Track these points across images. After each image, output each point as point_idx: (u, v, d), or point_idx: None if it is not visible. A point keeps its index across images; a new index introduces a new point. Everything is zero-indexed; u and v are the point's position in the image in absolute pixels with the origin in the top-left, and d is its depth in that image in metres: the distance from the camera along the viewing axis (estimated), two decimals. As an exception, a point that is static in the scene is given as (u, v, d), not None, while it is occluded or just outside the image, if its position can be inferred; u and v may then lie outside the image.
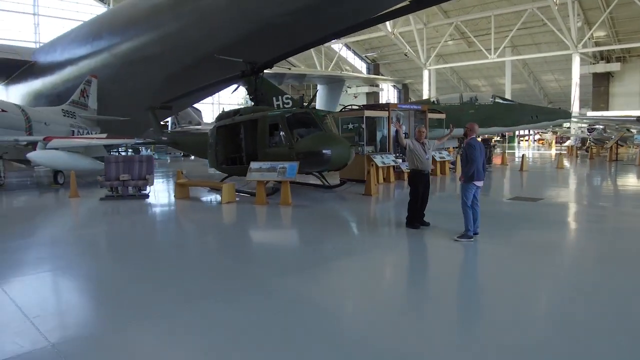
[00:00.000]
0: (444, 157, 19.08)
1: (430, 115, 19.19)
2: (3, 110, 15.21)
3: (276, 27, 17.03)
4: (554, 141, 48.18)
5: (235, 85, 24.00)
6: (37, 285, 5.78)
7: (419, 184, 8.65)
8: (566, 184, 16.77)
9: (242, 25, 17.85)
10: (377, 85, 59.76)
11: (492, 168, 20.77)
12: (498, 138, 54.15)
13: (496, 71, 53.47)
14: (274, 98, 24.05)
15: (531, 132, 52.70)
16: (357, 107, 17.60)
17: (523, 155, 21.08)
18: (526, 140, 57.32)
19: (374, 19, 14.11)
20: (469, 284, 5.97)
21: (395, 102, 56.63)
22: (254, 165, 12.47)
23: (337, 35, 16.35)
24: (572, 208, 11.42)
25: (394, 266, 6.79)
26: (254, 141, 13.91)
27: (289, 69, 46.42)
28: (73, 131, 19.43)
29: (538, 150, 43.36)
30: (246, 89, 20.49)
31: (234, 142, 14.78)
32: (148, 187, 13.96)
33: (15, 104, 16.94)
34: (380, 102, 55.62)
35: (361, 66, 62.05)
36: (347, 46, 59.13)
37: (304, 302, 5.06)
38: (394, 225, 8.93)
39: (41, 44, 34.30)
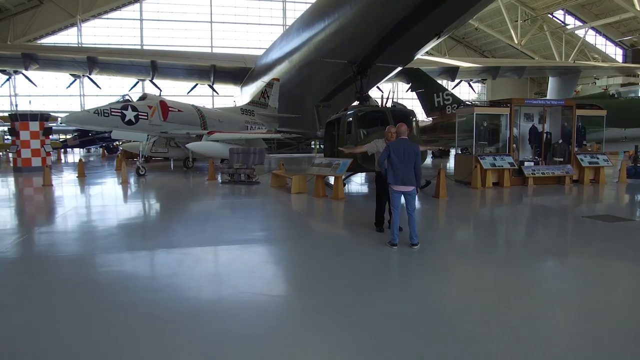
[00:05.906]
0: (597, 162, 15.93)
1: (582, 112, 16.18)
2: (179, 110, 19.66)
3: (394, 26, 17.08)
4: None
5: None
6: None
7: (383, 187, 8.41)
8: None
9: (372, 31, 18.49)
10: (637, 76, 49.76)
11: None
12: None
13: None
14: (435, 94, 23.80)
15: None
16: (469, 104, 16.26)
17: None
18: None
19: None
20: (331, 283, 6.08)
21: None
22: (316, 160, 13.38)
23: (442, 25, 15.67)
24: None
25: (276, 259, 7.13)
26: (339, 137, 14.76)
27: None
28: (247, 126, 23.28)
29: None
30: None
31: (333, 138, 15.84)
32: (256, 175, 16.26)
33: (193, 105, 21.38)
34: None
35: (615, 53, 52.63)
36: (596, 30, 50.92)
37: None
38: (367, 226, 8.84)
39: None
